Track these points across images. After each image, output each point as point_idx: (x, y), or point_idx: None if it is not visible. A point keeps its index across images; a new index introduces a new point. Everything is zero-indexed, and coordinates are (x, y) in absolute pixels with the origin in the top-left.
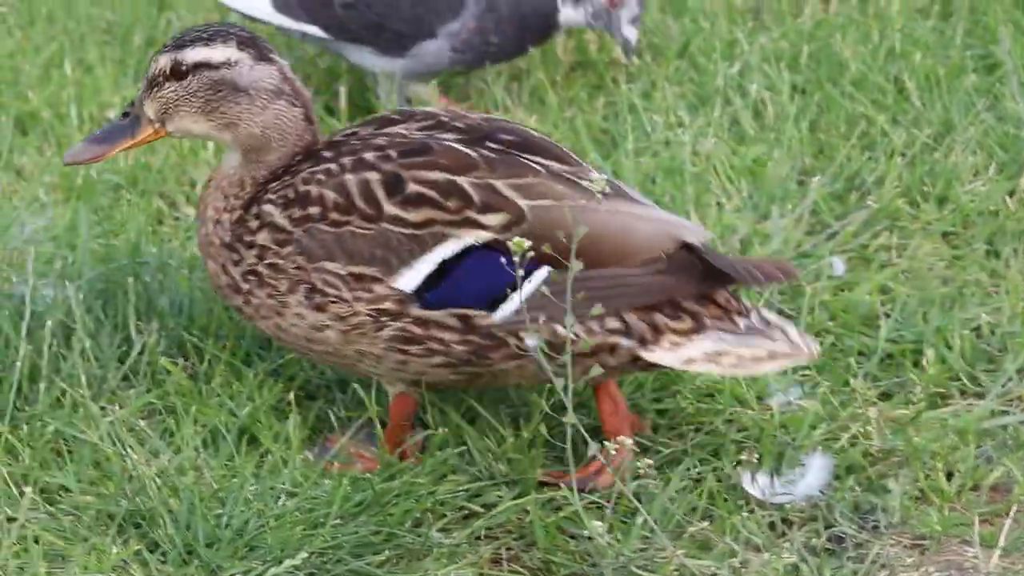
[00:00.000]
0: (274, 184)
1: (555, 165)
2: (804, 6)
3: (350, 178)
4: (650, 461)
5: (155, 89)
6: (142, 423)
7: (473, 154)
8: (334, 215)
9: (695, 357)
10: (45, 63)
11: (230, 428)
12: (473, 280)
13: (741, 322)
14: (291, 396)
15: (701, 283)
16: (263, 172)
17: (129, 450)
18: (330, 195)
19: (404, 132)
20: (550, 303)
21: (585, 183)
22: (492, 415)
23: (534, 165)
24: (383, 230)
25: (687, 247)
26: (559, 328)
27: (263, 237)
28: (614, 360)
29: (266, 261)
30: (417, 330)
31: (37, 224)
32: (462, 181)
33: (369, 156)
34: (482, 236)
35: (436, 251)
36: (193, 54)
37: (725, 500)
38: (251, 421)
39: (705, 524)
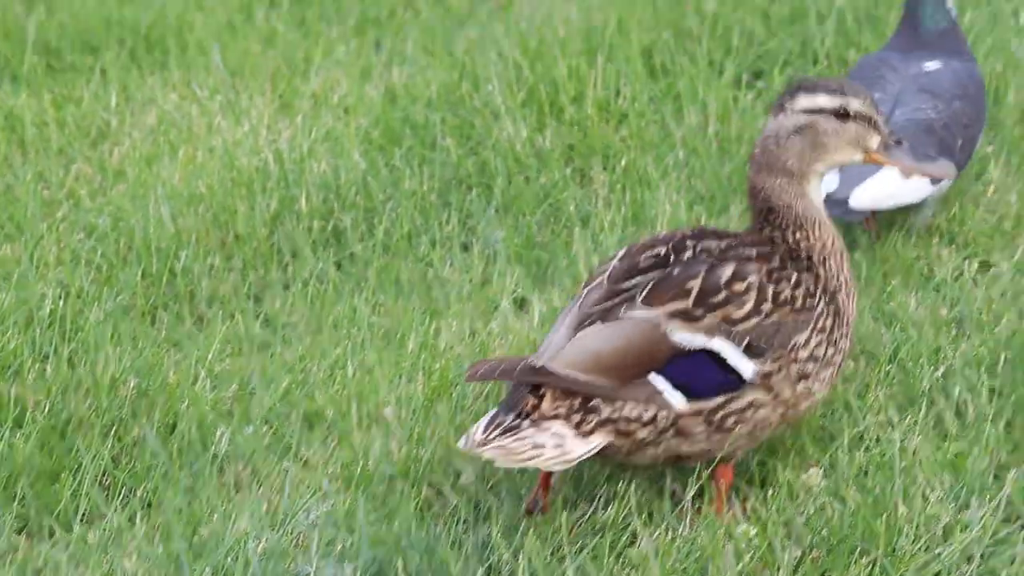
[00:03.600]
0: None
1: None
2: (1002, 316)
3: None
4: None
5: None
6: None
7: (612, 266)
8: None
9: None
10: (330, 365)
11: None
12: None
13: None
14: None
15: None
16: None
17: None
18: None
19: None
20: None
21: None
22: None
23: (622, 288)
24: None
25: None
26: None
27: None
28: None
29: None
30: None
31: (321, 510)
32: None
33: None
34: None
35: None
36: None
37: None
38: None
39: None
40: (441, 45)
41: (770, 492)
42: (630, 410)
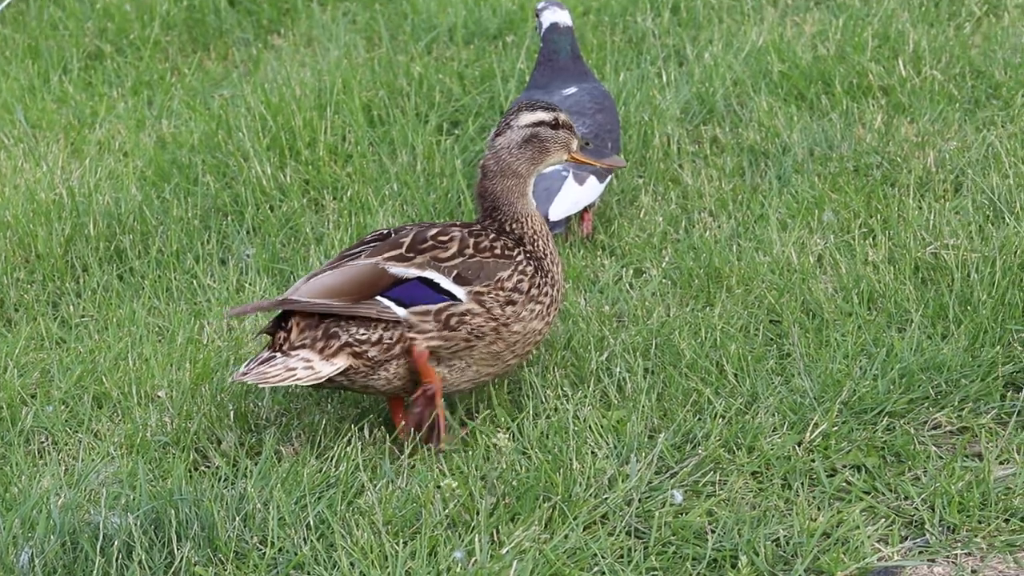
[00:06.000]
0: None
1: (355, 251)
2: (653, 311)
3: None
4: None
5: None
6: None
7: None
8: None
9: None
10: (115, 356)
11: None
12: None
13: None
14: None
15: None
16: None
17: None
18: None
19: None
20: None
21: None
22: None
23: (349, 252)
24: None
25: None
26: None
27: None
28: None
29: None
30: None
31: (108, 471)
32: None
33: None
34: None
35: None
36: None
37: None
38: None
39: None
40: (201, 102)
41: (470, 453)
42: (362, 333)
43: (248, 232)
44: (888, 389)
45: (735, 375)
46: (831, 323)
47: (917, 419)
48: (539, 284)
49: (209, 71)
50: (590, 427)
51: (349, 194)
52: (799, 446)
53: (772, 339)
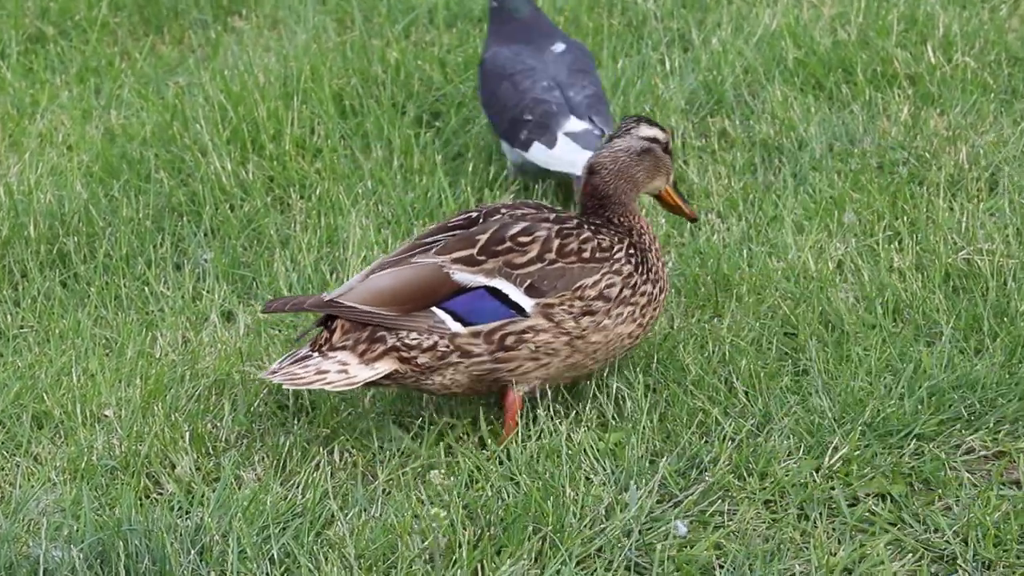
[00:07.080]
0: None
1: (430, 240)
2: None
3: None
4: None
5: None
6: None
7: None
8: None
9: None
10: (57, 372)
11: None
12: None
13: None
14: None
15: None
16: None
17: None
18: None
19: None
20: None
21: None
22: None
23: (424, 241)
24: None
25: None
26: None
27: None
28: None
29: None
30: None
31: (49, 499)
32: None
33: None
34: None
35: None
36: None
37: None
38: None
39: None
40: (154, 90)
41: (452, 479)
42: (412, 338)
43: (206, 234)
44: (916, 409)
45: (746, 393)
46: (852, 336)
47: (948, 442)
48: (635, 284)
49: (163, 56)
50: (585, 450)
51: (318, 192)
52: (817, 472)
53: (787, 353)
